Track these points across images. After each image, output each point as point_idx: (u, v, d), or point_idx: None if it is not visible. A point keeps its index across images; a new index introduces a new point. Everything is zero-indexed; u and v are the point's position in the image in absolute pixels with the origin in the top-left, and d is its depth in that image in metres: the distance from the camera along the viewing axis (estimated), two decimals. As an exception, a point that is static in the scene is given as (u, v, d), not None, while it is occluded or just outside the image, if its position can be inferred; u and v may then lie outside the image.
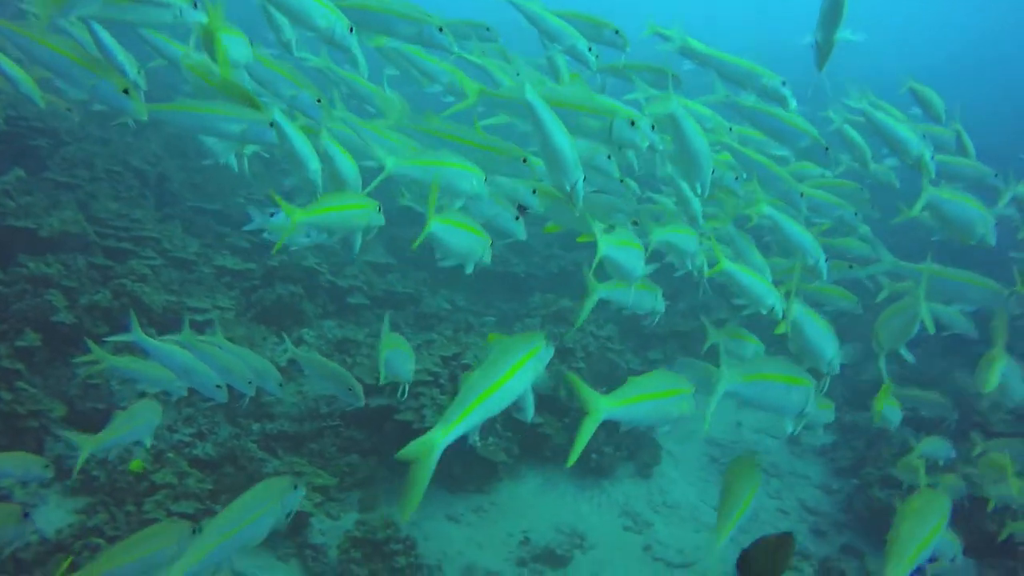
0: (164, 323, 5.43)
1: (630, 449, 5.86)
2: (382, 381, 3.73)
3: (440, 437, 1.94)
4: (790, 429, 3.03)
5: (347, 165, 3.43)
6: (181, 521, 2.84)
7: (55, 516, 4.11)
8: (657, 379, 2.62)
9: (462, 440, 5.81)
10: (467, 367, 5.55)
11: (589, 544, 4.90)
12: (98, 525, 3.92)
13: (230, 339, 5.67)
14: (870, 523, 5.35)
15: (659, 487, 5.69)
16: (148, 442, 3.55)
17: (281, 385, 3.93)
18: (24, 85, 3.69)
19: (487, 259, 3.22)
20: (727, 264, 3.41)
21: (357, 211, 3.22)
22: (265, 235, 4.07)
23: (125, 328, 3.52)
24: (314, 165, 3.27)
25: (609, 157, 3.46)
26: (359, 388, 3.89)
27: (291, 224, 2.94)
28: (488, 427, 5.45)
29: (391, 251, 8.62)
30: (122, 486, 4.17)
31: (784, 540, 2.20)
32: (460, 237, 3.04)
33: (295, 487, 2.82)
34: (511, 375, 2.15)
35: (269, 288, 6.48)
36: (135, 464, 4.15)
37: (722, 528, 2.67)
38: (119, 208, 6.51)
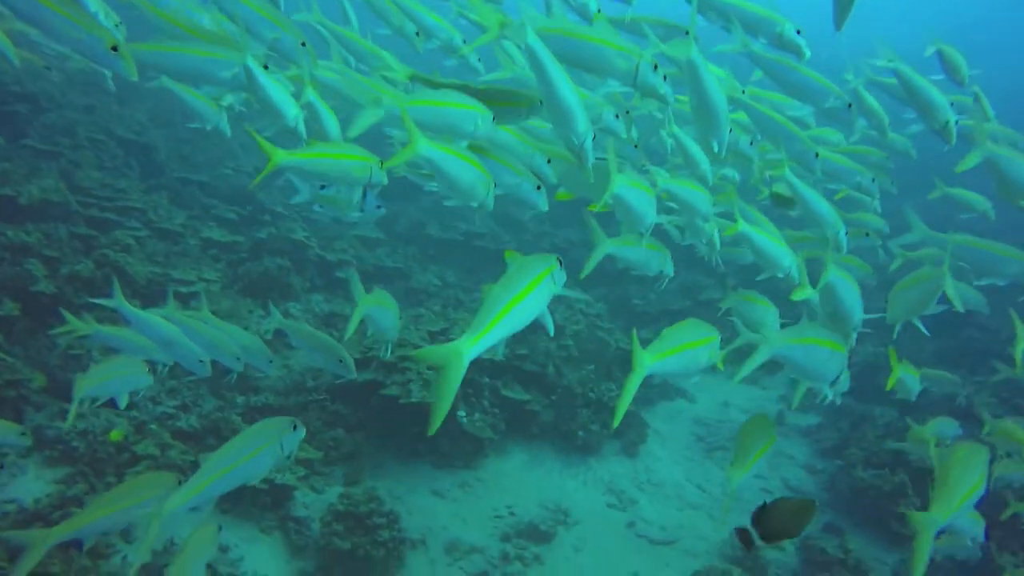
0: (148, 295, 5.36)
1: (617, 428, 5.85)
2: (347, 335, 3.42)
3: (469, 345, 1.82)
4: (829, 396, 2.97)
5: (328, 119, 3.25)
6: (167, 472, 2.81)
7: (34, 486, 4.07)
8: (689, 329, 2.55)
9: (450, 416, 5.73)
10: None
11: (573, 520, 4.91)
12: (77, 495, 3.89)
13: (216, 312, 5.63)
14: (852, 503, 5.39)
15: (645, 465, 5.70)
16: (124, 402, 3.38)
17: (271, 362, 3.84)
18: None
19: (490, 202, 2.91)
20: (744, 225, 3.27)
21: (353, 162, 2.96)
22: (317, 208, 3.81)
23: (107, 296, 3.44)
24: (293, 112, 3.06)
25: (617, 116, 3.29)
26: (350, 359, 3.75)
27: (269, 164, 2.71)
28: (476, 403, 5.43)
29: (381, 226, 8.54)
30: (102, 456, 4.13)
31: (806, 505, 2.21)
32: (456, 166, 2.70)
33: (294, 427, 2.76)
34: (532, 288, 2.10)
35: (256, 261, 6.40)
36: (115, 434, 4.10)
37: (736, 469, 2.67)
38: (103, 177, 6.39)
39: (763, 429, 2.80)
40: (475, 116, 2.80)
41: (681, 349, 2.46)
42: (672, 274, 3.71)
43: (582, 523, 4.91)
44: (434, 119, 2.76)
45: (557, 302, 6.64)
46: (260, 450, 2.63)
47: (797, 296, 2.99)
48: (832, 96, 3.81)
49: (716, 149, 3.15)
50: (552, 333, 2.83)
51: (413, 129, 2.52)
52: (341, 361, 3.73)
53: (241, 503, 4.29)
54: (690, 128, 3.71)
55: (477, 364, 5.54)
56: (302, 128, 3.08)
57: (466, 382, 5.47)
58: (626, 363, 6.78)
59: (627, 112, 3.42)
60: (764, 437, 2.78)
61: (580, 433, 5.65)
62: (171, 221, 6.37)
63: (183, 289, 5.53)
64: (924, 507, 2.34)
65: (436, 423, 1.75)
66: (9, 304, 4.87)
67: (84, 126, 7.08)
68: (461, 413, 5.30)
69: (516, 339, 6.07)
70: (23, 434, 3.34)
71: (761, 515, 2.27)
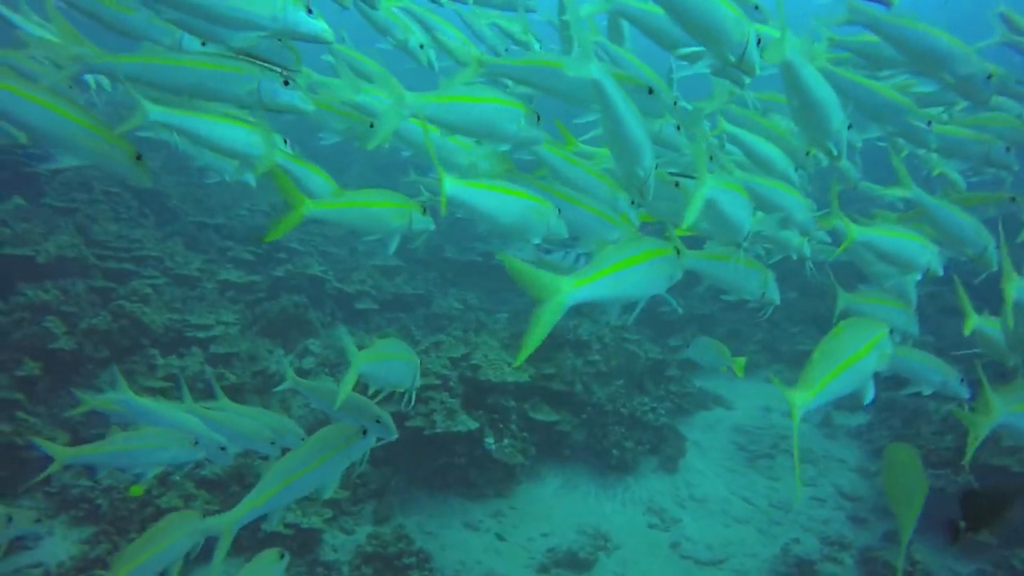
0: (166, 342, 5.33)
1: (652, 443, 5.62)
2: (340, 405, 2.71)
3: (572, 285, 1.69)
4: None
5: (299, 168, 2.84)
6: (190, 511, 2.69)
7: (60, 548, 4.02)
8: (849, 336, 2.14)
9: (477, 444, 5.49)
10: (476, 368, 5.36)
11: (613, 545, 4.68)
12: (100, 556, 3.81)
13: (235, 354, 5.59)
14: (913, 506, 5.05)
15: (685, 480, 5.45)
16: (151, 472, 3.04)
17: (303, 439, 3.27)
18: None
19: (561, 230, 2.49)
20: (858, 232, 2.76)
21: (389, 210, 2.65)
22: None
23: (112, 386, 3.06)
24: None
25: (678, 128, 2.88)
26: (388, 417, 3.09)
27: (295, 214, 2.41)
28: (504, 428, 5.26)
29: (398, 253, 8.45)
30: (124, 514, 4.05)
31: (1016, 489, 1.99)
32: (494, 201, 2.30)
33: (364, 433, 2.61)
34: (648, 258, 2.00)
35: (274, 300, 6.36)
36: (135, 489, 4.03)
37: (904, 532, 2.33)
38: (119, 229, 6.44)
39: (911, 473, 2.35)
40: (516, 113, 2.43)
41: (848, 366, 2.06)
42: (778, 300, 3.01)
43: (623, 547, 4.68)
44: (467, 119, 2.40)
45: (579, 315, 6.46)
46: (328, 457, 2.50)
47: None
48: (969, 63, 2.93)
49: (834, 152, 2.63)
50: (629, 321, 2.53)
51: (439, 168, 2.19)
52: (378, 421, 3.02)
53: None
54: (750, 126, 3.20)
55: (501, 388, 5.38)
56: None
57: (492, 407, 5.30)
58: (657, 374, 6.56)
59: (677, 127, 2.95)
60: (916, 484, 2.33)
61: (614, 451, 5.42)
62: (188, 267, 6.38)
63: (201, 334, 5.49)
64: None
65: (521, 357, 1.64)
66: (30, 364, 4.88)
67: (99, 180, 7.17)
68: (489, 440, 5.12)
69: (542, 358, 5.89)
70: (37, 521, 3.18)
71: (967, 503, 2.02)
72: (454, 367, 5.35)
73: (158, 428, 2.96)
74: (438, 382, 5.13)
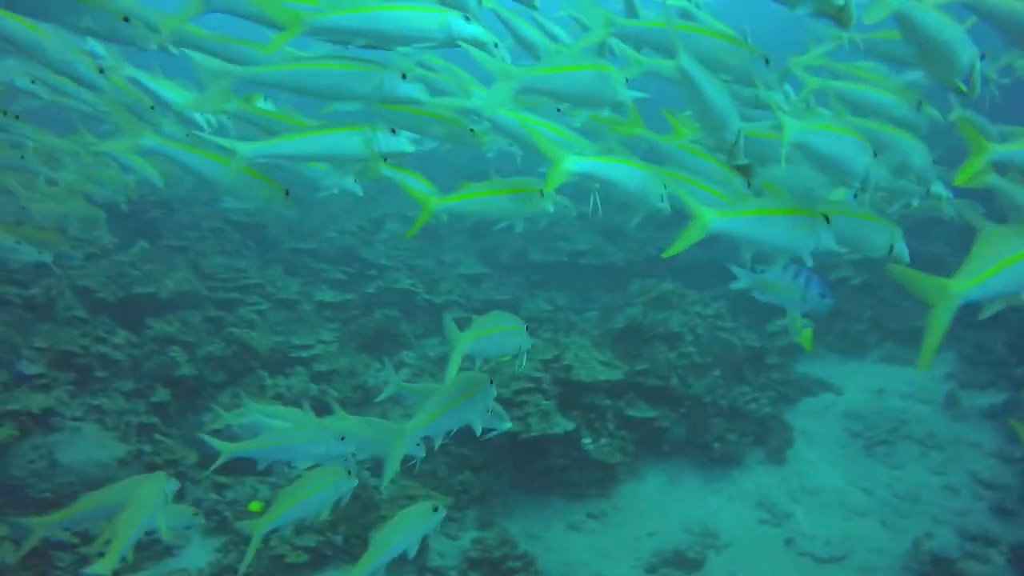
0: (273, 363, 5.67)
1: (756, 433, 5.39)
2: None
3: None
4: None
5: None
6: (157, 473, 2.89)
7: (198, 555, 4.35)
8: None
9: (575, 445, 5.40)
10: (569, 368, 5.34)
11: (723, 543, 4.53)
12: (231, 563, 4.10)
13: (335, 371, 5.86)
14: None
15: (796, 471, 5.19)
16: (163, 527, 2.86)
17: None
18: (145, 173, 3.77)
19: (665, 207, 2.61)
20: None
21: (517, 197, 2.87)
22: (755, 294, 3.46)
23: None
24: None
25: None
26: (500, 408, 3.38)
27: (423, 212, 2.68)
28: (600, 427, 5.21)
29: (484, 259, 8.59)
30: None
31: None
32: (619, 172, 2.44)
33: (491, 381, 2.84)
34: (792, 213, 2.12)
35: (368, 316, 6.61)
36: (255, 505, 4.30)
37: None
38: (225, 261, 6.91)
39: None
40: (611, 78, 2.61)
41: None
42: (908, 258, 2.58)
43: (734, 545, 4.52)
44: (567, 87, 2.60)
45: (667, 307, 6.30)
46: (473, 394, 2.75)
47: None
48: None
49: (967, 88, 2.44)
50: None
51: (548, 148, 2.34)
52: (491, 412, 3.09)
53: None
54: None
55: (595, 386, 5.34)
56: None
57: (587, 406, 5.27)
58: (756, 361, 6.29)
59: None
60: None
61: (716, 445, 5.25)
62: (287, 291, 6.75)
63: (304, 354, 5.79)
64: None
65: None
66: (161, 391, 5.32)
67: (206, 218, 7.73)
68: (586, 440, 5.09)
69: (633, 354, 5.80)
70: (196, 514, 3.49)
71: None
72: (546, 369, 5.36)
73: (309, 426, 3.21)
74: (531, 385, 5.16)
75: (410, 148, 2.72)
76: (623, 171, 2.48)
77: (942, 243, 7.02)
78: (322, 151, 2.78)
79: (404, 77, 2.58)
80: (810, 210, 2.25)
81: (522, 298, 7.90)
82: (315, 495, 2.93)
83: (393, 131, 2.68)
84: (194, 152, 2.77)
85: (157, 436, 5.05)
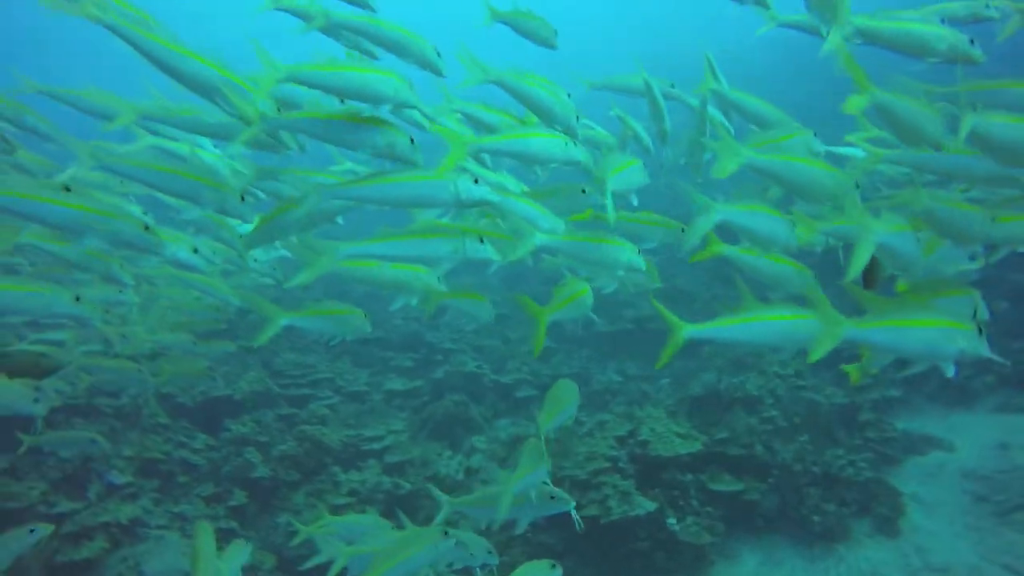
0: (345, 459, 5.67)
1: (860, 502, 4.95)
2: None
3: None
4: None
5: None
6: None
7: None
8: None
9: (659, 526, 5.12)
10: (645, 444, 5.11)
11: (837, 630, 4.09)
12: None
13: (407, 462, 5.81)
14: None
15: (914, 546, 4.68)
16: None
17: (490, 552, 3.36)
18: (216, 291, 3.95)
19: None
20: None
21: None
22: None
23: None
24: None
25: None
26: (559, 490, 3.37)
27: (540, 324, 3.02)
28: (684, 505, 4.91)
29: (550, 335, 8.50)
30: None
31: None
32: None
33: None
34: (936, 325, 2.12)
35: (436, 402, 6.59)
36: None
37: None
38: (295, 358, 7.09)
39: None
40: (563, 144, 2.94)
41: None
42: (987, 315, 2.52)
43: (850, 632, 4.07)
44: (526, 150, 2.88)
45: (743, 368, 6.00)
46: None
47: None
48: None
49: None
50: None
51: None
52: (552, 498, 3.28)
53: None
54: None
55: (675, 462, 5.07)
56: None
57: (668, 483, 4.99)
58: (848, 420, 5.86)
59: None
60: None
61: (815, 517, 4.84)
62: (356, 383, 6.83)
63: (376, 446, 5.78)
64: None
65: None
66: (239, 493, 5.39)
67: (276, 316, 8.01)
68: (671, 520, 4.79)
69: (712, 423, 5.51)
70: None
71: None
72: (621, 446, 5.15)
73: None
74: (607, 464, 4.95)
75: (495, 198, 2.78)
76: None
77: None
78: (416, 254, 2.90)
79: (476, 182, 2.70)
80: (954, 320, 2.15)
81: (592, 370, 7.73)
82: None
83: (475, 181, 2.71)
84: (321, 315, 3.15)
85: (237, 542, 5.07)
